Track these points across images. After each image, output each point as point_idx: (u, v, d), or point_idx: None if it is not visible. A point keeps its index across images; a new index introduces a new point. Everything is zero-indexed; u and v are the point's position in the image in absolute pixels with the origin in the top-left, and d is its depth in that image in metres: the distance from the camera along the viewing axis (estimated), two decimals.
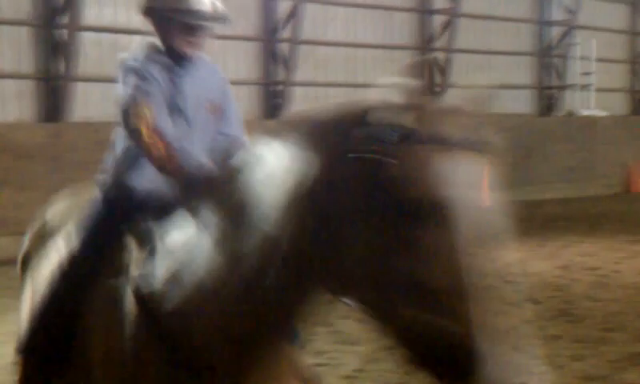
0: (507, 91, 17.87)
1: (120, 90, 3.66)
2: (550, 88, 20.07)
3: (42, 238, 4.07)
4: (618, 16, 22.05)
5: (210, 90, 3.89)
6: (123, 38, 12.04)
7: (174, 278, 3.11)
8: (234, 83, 3.91)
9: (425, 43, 18.15)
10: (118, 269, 3.36)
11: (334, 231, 2.66)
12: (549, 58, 20.19)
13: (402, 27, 17.79)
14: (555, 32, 20.35)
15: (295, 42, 15.47)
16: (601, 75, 20.63)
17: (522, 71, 19.53)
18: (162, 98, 3.68)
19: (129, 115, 3.59)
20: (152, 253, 3.29)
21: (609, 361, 6.49)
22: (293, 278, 2.81)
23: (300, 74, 15.65)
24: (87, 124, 12.76)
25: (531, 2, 20.12)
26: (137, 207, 3.58)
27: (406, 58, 18.02)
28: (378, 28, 17.09)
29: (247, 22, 14.49)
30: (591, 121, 20.37)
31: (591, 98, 20.79)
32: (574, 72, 20.57)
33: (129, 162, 3.72)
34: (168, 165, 3.51)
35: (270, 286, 2.83)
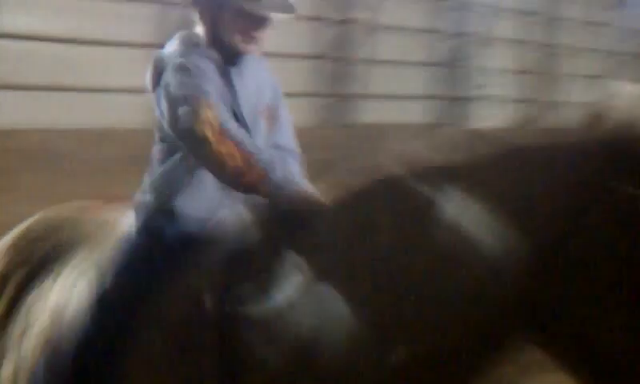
0: (417, 102, 17.98)
1: (165, 94, 2.91)
2: (458, 99, 20.29)
3: (29, 257, 3.34)
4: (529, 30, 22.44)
5: (264, 92, 3.17)
6: (39, 46, 11.51)
7: (292, 352, 2.43)
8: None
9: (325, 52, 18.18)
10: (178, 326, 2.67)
11: (589, 298, 2.00)
12: (453, 69, 20.38)
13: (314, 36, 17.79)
14: (460, 43, 20.57)
15: None
16: (505, 86, 20.94)
17: (427, 81, 19.66)
18: (222, 102, 2.93)
19: (187, 121, 2.81)
20: (242, 308, 2.56)
21: (520, 366, 6.51)
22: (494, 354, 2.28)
23: None
24: None
25: (437, 13, 20.31)
26: (193, 241, 2.88)
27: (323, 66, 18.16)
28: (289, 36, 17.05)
29: None
30: (478, 131, 20.52)
31: (496, 108, 21.03)
32: (479, 82, 20.81)
33: (177, 183, 2.97)
34: (248, 177, 2.76)
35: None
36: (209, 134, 2.77)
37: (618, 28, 14.81)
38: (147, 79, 3.02)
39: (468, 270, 2.20)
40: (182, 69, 2.91)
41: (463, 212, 2.22)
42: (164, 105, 2.92)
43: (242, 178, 2.77)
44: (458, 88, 17.52)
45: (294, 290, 2.49)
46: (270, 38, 3.05)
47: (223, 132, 2.78)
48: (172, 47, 3.04)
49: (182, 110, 2.84)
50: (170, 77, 2.92)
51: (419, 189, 2.33)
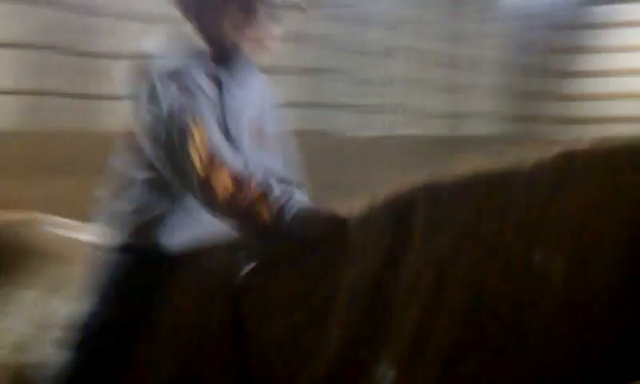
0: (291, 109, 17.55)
1: (152, 110, 2.53)
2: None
3: None
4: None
5: (253, 104, 2.77)
6: None
7: None
8: None
9: None
10: None
11: None
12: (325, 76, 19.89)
13: None
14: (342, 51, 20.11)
15: None
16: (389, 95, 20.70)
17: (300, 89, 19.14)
18: (214, 118, 2.57)
19: (175, 143, 2.46)
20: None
21: None
22: None
23: None
24: None
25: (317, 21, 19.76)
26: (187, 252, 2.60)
27: None
28: None
29: None
30: (342, 141, 20.11)
31: (365, 117, 20.55)
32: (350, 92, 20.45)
33: (160, 214, 2.61)
34: (243, 202, 2.41)
35: None
36: (197, 162, 2.43)
37: (514, 39, 14.99)
38: (128, 88, 2.63)
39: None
40: (175, 79, 2.52)
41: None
42: (149, 122, 2.55)
43: (235, 205, 2.43)
44: (327, 95, 17.17)
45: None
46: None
47: (213, 158, 2.43)
48: (161, 52, 2.63)
49: (171, 132, 2.49)
50: (160, 88, 2.53)
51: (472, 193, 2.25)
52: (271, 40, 2.65)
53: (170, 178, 2.56)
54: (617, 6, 14.20)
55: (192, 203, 2.58)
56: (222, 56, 2.64)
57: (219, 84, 2.64)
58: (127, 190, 2.67)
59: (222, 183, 2.42)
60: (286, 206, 2.46)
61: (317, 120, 15.37)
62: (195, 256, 2.61)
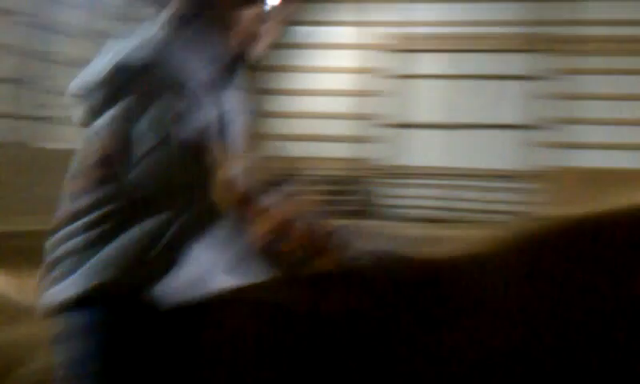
0: None
1: (138, 112, 1.91)
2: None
3: None
4: None
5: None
6: None
7: None
8: None
9: None
10: None
11: None
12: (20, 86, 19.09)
13: None
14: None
15: None
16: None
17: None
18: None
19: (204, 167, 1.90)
20: None
21: None
22: None
23: None
24: None
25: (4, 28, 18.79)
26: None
27: None
28: None
29: None
30: (44, 153, 19.76)
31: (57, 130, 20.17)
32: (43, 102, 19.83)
33: (147, 251, 1.99)
34: (312, 253, 1.87)
35: None
36: (227, 195, 1.90)
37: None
38: (94, 92, 2.05)
39: None
40: (182, 87, 1.92)
41: None
42: (140, 133, 1.94)
43: (289, 253, 1.93)
44: (25, 106, 16.59)
45: None
46: None
47: (247, 191, 1.90)
48: (140, 46, 2.00)
49: (174, 146, 1.91)
50: (149, 91, 1.91)
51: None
52: (266, 34, 2.17)
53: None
54: (317, 28, 14.79)
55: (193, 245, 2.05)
56: (216, 53, 2.11)
57: (216, 86, 2.09)
58: (90, 228, 2.08)
59: (263, 226, 1.92)
60: (347, 247, 1.99)
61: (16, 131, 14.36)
62: (214, 308, 2.06)
